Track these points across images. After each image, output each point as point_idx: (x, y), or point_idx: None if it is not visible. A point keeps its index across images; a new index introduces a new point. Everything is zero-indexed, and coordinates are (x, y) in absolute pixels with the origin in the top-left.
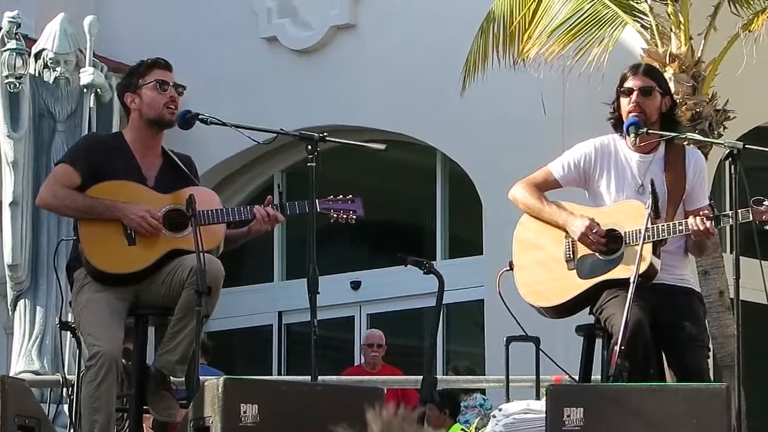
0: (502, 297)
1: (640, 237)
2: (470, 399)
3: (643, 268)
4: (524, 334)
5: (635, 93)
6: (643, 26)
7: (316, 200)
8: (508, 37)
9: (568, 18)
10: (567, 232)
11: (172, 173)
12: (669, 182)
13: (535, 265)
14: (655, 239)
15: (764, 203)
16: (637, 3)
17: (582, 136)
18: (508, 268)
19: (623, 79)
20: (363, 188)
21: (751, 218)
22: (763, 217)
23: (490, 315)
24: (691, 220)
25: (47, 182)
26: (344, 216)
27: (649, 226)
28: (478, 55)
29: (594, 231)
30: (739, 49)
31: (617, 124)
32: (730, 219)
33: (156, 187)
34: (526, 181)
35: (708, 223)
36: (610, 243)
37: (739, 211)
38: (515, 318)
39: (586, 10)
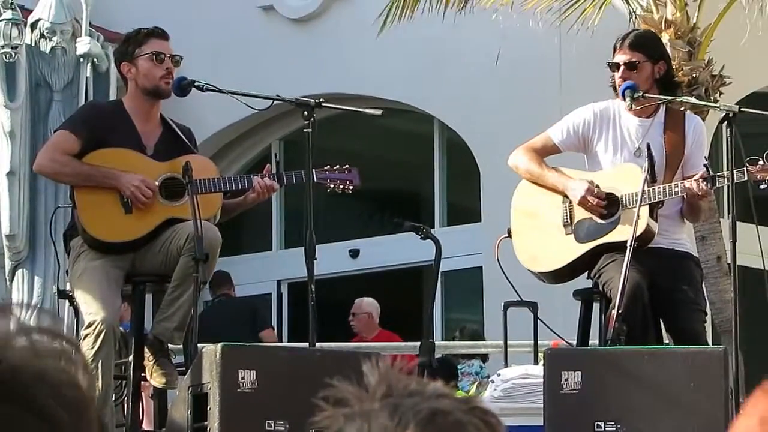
0: (500, 264)
1: (636, 200)
2: (467, 365)
3: (640, 230)
4: (519, 300)
5: (621, 68)
6: None
7: (313, 170)
8: None
9: None
10: (567, 196)
11: (172, 142)
12: (668, 146)
13: (533, 231)
14: (652, 201)
15: (759, 163)
16: None
17: (579, 101)
18: (507, 235)
19: (614, 50)
20: (360, 157)
21: (746, 178)
22: (758, 177)
23: (488, 282)
24: (686, 181)
25: (45, 148)
26: (341, 186)
27: (646, 189)
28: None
29: (594, 194)
30: (735, 15)
31: (617, 88)
32: (726, 179)
33: (155, 155)
34: (525, 147)
35: (703, 184)
36: (608, 206)
37: (735, 171)
38: (512, 284)
39: None
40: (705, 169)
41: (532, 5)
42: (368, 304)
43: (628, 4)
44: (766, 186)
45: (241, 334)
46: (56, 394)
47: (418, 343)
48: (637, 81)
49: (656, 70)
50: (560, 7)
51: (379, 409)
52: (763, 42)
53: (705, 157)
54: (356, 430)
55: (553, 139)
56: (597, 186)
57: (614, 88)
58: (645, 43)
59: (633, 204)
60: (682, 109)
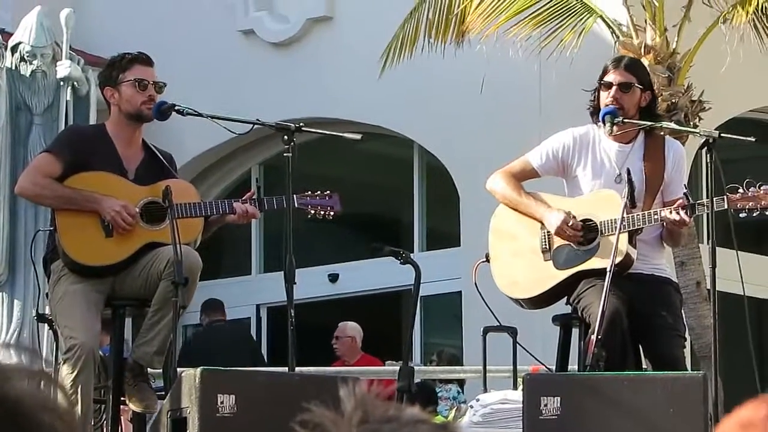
0: (478, 289)
1: (615, 226)
2: (445, 390)
3: (619, 257)
4: (499, 325)
5: (614, 88)
6: (616, 18)
7: (294, 196)
8: (451, 21)
9: (531, 5)
10: (543, 224)
11: (153, 167)
12: (647, 172)
13: (511, 257)
14: (631, 228)
15: (739, 191)
16: None
17: (559, 127)
18: (485, 260)
19: (605, 71)
20: (340, 181)
21: (726, 206)
22: (738, 205)
23: (467, 307)
24: (666, 209)
25: (27, 170)
26: (322, 212)
27: (625, 215)
28: (405, 38)
29: (570, 224)
30: (715, 41)
31: (595, 113)
32: (705, 207)
33: (136, 179)
34: (504, 171)
35: (682, 212)
36: (586, 233)
37: (714, 199)
38: (491, 310)
39: None
40: (684, 197)
41: (513, 34)
42: (352, 328)
43: (610, 28)
44: (746, 214)
45: (241, 359)
46: (36, 419)
47: (398, 368)
48: (627, 104)
49: (643, 97)
50: (540, 35)
51: None
52: (743, 68)
53: (684, 185)
54: None
55: (532, 163)
56: (573, 217)
57: (592, 114)
58: (639, 69)
59: (611, 231)
60: (662, 134)
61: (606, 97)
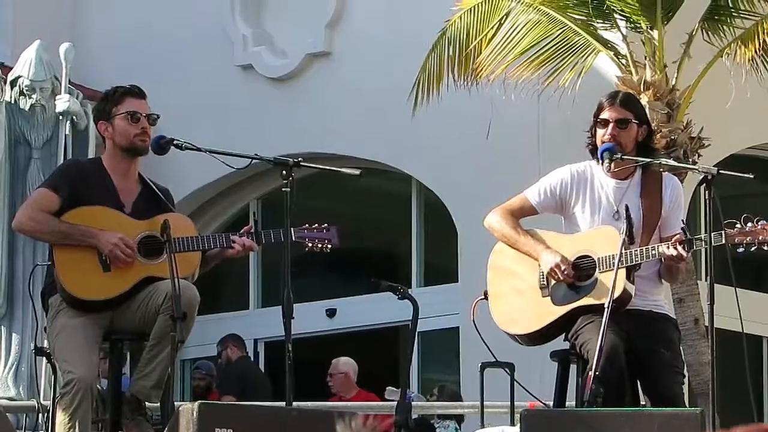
0: (476, 326)
1: (613, 262)
2: (443, 426)
3: (617, 293)
4: (496, 361)
5: (611, 125)
6: (617, 54)
7: (292, 229)
8: (464, 59)
9: (536, 43)
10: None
11: (150, 201)
12: (645, 208)
13: (509, 293)
14: (629, 264)
15: (737, 226)
16: (609, 30)
17: (558, 163)
18: (483, 297)
19: (600, 108)
20: (338, 216)
21: (723, 241)
22: (736, 240)
23: (465, 342)
24: (664, 245)
25: (25, 206)
26: (319, 245)
27: (623, 251)
28: (431, 76)
29: (563, 269)
30: (714, 78)
31: (594, 151)
32: (703, 242)
33: (133, 213)
34: (502, 208)
35: (680, 248)
36: (585, 269)
37: (712, 234)
38: (488, 346)
39: (556, 37)
40: (682, 232)
41: (515, 77)
42: (344, 363)
43: (614, 60)
44: (743, 249)
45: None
46: None
47: (395, 403)
48: (625, 140)
49: (640, 132)
50: (541, 76)
51: None
52: (743, 104)
53: (682, 220)
54: None
55: (530, 200)
56: (569, 262)
57: (591, 151)
58: (634, 104)
59: (610, 266)
60: (660, 169)
61: (603, 135)
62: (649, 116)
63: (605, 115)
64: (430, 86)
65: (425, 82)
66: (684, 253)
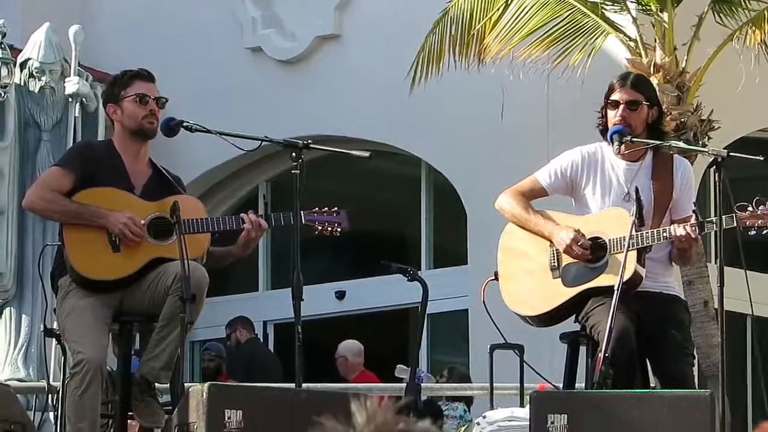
0: (486, 307)
1: (624, 244)
2: (451, 408)
3: (628, 275)
4: (506, 342)
5: (622, 107)
6: (626, 36)
7: (301, 212)
8: (468, 39)
9: (544, 24)
10: (552, 242)
11: (160, 184)
12: (656, 190)
13: (520, 274)
14: (640, 246)
15: (748, 209)
16: (619, 13)
17: (568, 144)
18: (493, 278)
19: (611, 90)
20: (348, 199)
21: (735, 224)
22: (747, 223)
23: (474, 324)
24: (675, 227)
25: (36, 185)
26: (329, 228)
27: (634, 233)
28: (431, 55)
29: (579, 243)
30: (724, 61)
31: (605, 132)
32: (714, 225)
33: (143, 195)
34: (512, 190)
35: (691, 229)
36: (595, 251)
37: (723, 217)
38: (498, 329)
39: (564, 18)
40: (694, 215)
41: (523, 57)
42: (343, 347)
43: (624, 44)
44: (755, 232)
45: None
46: None
47: (404, 385)
48: (635, 122)
49: (651, 114)
50: (550, 56)
51: None
52: (753, 87)
53: (694, 203)
54: None
55: (541, 182)
56: (583, 235)
57: (602, 132)
58: (645, 86)
59: (620, 248)
60: (670, 152)
61: (614, 116)
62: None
63: (616, 96)
64: (429, 65)
65: (425, 61)
66: (693, 234)
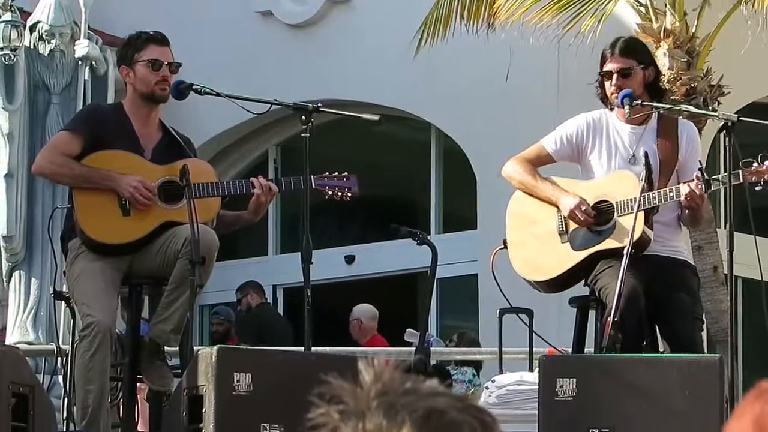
0: (495, 275)
1: (632, 206)
2: (460, 372)
3: (636, 236)
4: (515, 307)
5: (614, 76)
6: (637, 1)
7: (311, 177)
8: (482, 4)
9: None
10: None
11: (170, 147)
12: (661, 153)
13: (528, 239)
14: (647, 207)
15: (754, 165)
16: None
17: (577, 110)
18: (503, 246)
19: (603, 59)
20: (357, 163)
21: (741, 180)
22: (753, 179)
23: (484, 289)
24: (681, 185)
25: (45, 149)
26: (339, 193)
27: (641, 195)
28: (438, 19)
29: (583, 209)
30: (734, 25)
31: (605, 100)
32: (720, 182)
33: (153, 159)
34: (519, 157)
35: (696, 187)
36: (603, 214)
37: (730, 173)
38: (504, 295)
39: None
40: (700, 173)
41: (534, 22)
42: (358, 310)
43: (641, 4)
44: (761, 188)
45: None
46: None
47: (413, 349)
48: (631, 87)
49: (646, 75)
50: (560, 21)
51: (375, 408)
52: (763, 52)
53: (699, 161)
54: (351, 429)
55: (547, 148)
56: (587, 202)
57: (602, 100)
58: (636, 49)
59: (628, 210)
60: (675, 116)
61: (609, 86)
62: (668, 64)
63: (608, 67)
64: (437, 29)
65: (431, 26)
66: (698, 191)
